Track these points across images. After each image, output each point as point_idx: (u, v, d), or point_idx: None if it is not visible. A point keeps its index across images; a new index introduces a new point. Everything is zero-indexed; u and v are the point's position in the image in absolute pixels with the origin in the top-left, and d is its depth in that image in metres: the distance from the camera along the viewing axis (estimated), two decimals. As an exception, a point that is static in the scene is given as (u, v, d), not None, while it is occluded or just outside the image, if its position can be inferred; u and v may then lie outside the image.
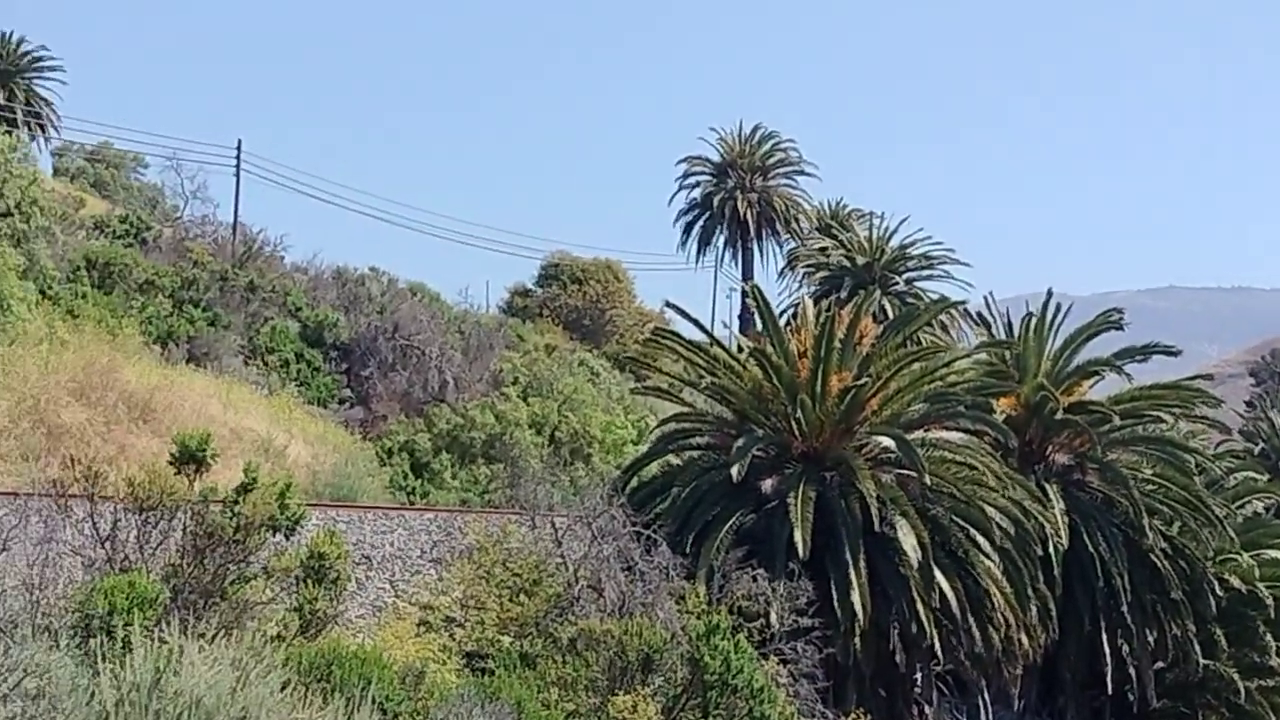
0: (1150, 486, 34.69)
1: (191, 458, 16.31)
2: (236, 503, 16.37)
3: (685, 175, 72.01)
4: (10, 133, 44.06)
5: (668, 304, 46.98)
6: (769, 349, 32.31)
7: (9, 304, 33.77)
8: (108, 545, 16.22)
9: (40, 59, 64.54)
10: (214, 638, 13.24)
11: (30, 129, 56.61)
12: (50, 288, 37.87)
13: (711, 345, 35.67)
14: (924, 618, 28.37)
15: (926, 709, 29.61)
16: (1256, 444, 57.73)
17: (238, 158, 54.38)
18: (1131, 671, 33.20)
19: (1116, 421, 35.42)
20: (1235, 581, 34.53)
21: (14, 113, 52.81)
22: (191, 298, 43.59)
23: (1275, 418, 65.39)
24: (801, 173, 72.83)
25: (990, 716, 31.43)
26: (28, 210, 37.12)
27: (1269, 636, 34.82)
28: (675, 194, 72.06)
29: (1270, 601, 35.04)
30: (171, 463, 17.03)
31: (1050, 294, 38.42)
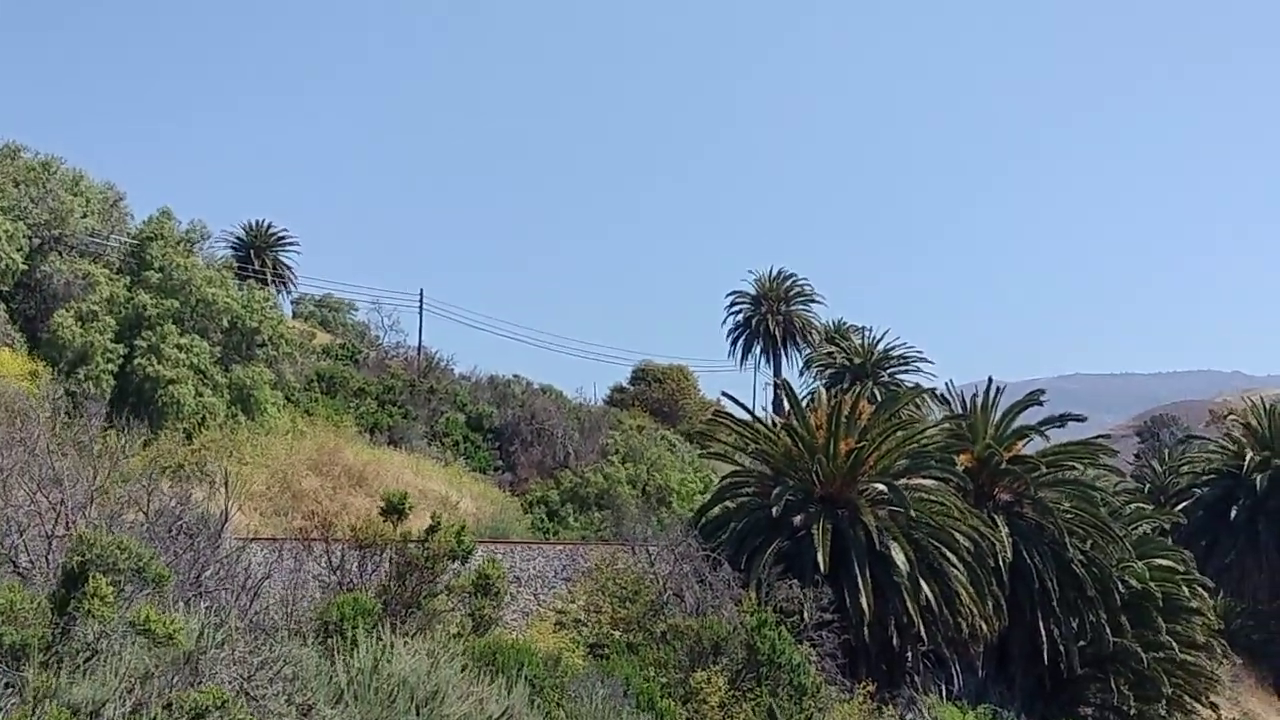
0: (1069, 515, 35.48)
1: (394, 510, 16.68)
2: (426, 541, 16.65)
3: (732, 305, 75.79)
4: (264, 288, 46.03)
5: (724, 394, 47.91)
6: (795, 424, 33.69)
7: (264, 407, 36.47)
8: (338, 573, 16.73)
9: (282, 237, 66.90)
10: (413, 636, 13.85)
11: (276, 285, 58.49)
12: (292, 395, 40.27)
13: (755, 423, 36.52)
14: (912, 612, 29.58)
15: (915, 678, 30.47)
16: (1144, 484, 58.52)
17: (420, 301, 57.72)
18: (1061, 648, 33.68)
19: (1043, 470, 36.85)
20: (1133, 582, 35.54)
21: (265, 275, 54.96)
22: (390, 399, 46.30)
23: (1155, 465, 66.63)
24: (813, 300, 76.45)
25: (961, 682, 32.05)
26: (276, 342, 39.33)
27: (1159, 620, 35.51)
28: (725, 318, 75.73)
29: (1159, 595, 35.96)
30: (381, 514, 17.53)
31: (990, 380, 39.95)
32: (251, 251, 61.94)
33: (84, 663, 8.48)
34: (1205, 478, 54.79)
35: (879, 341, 70.00)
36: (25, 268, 35.71)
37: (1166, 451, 71.41)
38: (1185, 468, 59.63)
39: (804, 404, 37.00)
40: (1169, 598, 36.68)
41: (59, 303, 35.43)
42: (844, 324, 76.42)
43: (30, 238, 36.19)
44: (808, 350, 73.94)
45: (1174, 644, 35.83)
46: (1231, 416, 65.38)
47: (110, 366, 34.38)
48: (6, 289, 35.55)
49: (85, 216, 38.71)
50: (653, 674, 20.87)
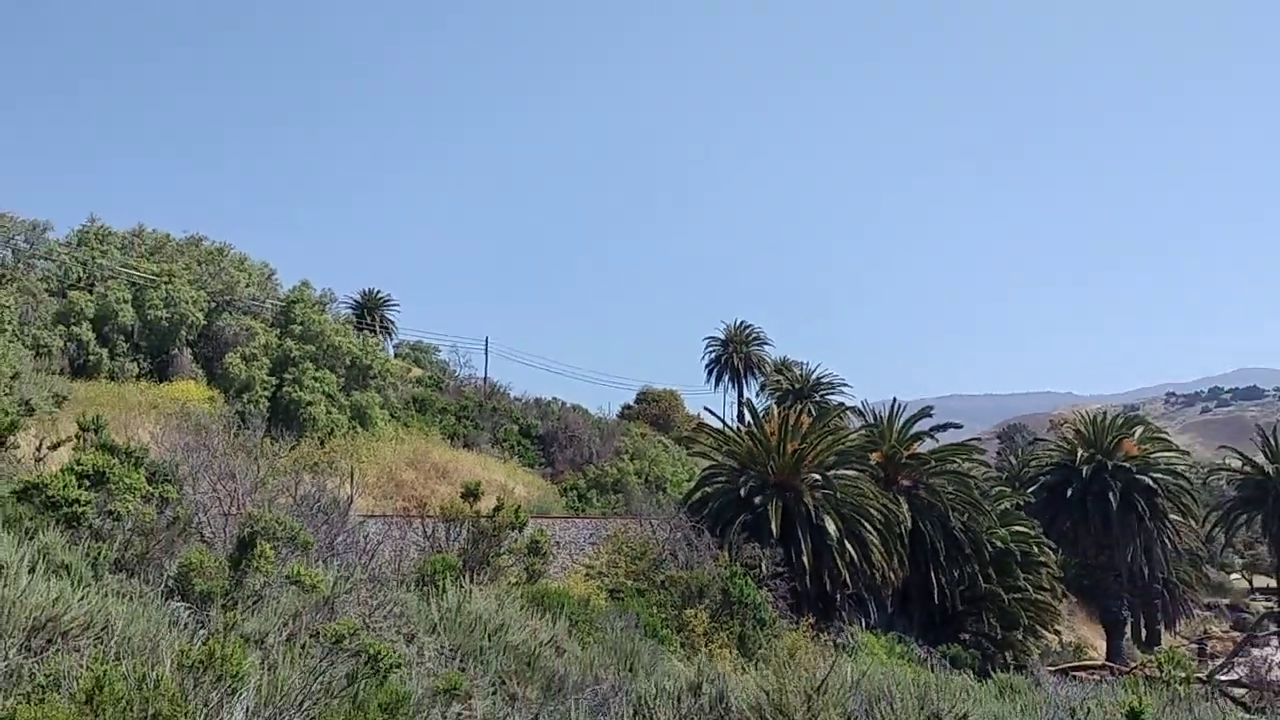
0: (951, 496, 35.15)
1: (470, 494, 16.12)
2: (493, 516, 16.00)
3: (707, 345, 75.60)
4: (374, 336, 47.43)
5: (705, 409, 49.93)
6: (755, 431, 33.49)
7: (375, 421, 37.00)
8: (430, 540, 16.15)
9: (386, 299, 66.79)
10: (485, 585, 13.21)
11: (383, 335, 58.24)
12: (395, 413, 40.38)
13: (726, 431, 36.58)
14: (840, 566, 29.31)
15: (843, 614, 29.84)
16: (1004, 474, 57.93)
17: (486, 345, 60.98)
18: (946, 592, 33.50)
19: (932, 463, 36.82)
20: (998, 543, 35.23)
21: (374, 327, 54.98)
22: (464, 415, 46.17)
23: (1012, 460, 66.99)
24: (765, 343, 76.15)
25: (875, 617, 31.62)
26: (383, 375, 39.89)
27: (1018, 570, 35.27)
28: (703, 354, 75.67)
29: (1017, 552, 35.87)
30: (460, 497, 16.76)
31: (894, 399, 39.86)
32: (365, 310, 62.20)
33: (252, 605, 8.32)
34: (1047, 468, 54.71)
35: (813, 372, 71.17)
36: (205, 323, 36.24)
37: (1020, 450, 71.76)
38: (1033, 462, 59.36)
39: (761, 417, 36.32)
40: (1024, 554, 36.47)
41: (229, 348, 35.87)
42: (788, 360, 76.67)
43: (209, 302, 36.64)
44: (762, 378, 74.00)
45: (1028, 588, 35.53)
46: (1065, 424, 65.72)
47: (266, 393, 34.67)
48: (193, 338, 35.99)
49: (248, 286, 39.20)
50: (655, 611, 20.23)
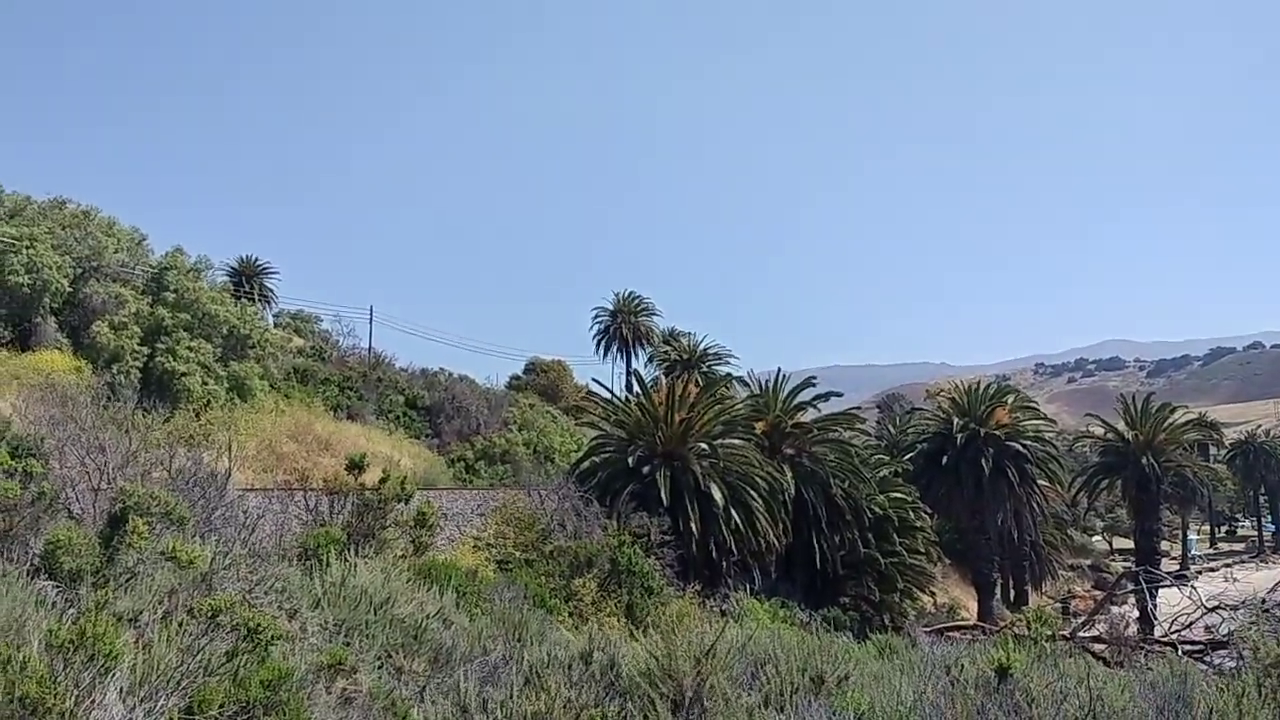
0: (833, 463, 35.82)
1: (355, 466, 15.98)
2: (378, 489, 15.92)
3: (596, 315, 75.17)
4: (253, 305, 44.69)
5: (594, 380, 49.51)
6: (644, 402, 33.39)
7: (254, 393, 35.74)
8: (313, 513, 16.05)
9: (265, 268, 65.16)
10: (370, 558, 12.99)
11: (262, 303, 56.28)
12: (275, 384, 39.00)
13: (615, 401, 37.12)
14: (726, 533, 29.70)
15: (729, 580, 29.93)
16: (883, 441, 59.72)
17: (370, 314, 57.98)
18: (828, 556, 34.12)
19: (815, 432, 37.43)
20: (877, 509, 36.11)
21: (253, 295, 52.80)
22: (348, 386, 45.11)
23: (890, 428, 68.88)
24: (654, 313, 75.98)
25: (760, 582, 31.91)
26: (263, 345, 38.48)
27: (895, 535, 36.36)
28: (591, 325, 75.29)
29: (895, 518, 36.92)
30: (345, 470, 16.58)
31: (779, 370, 40.70)
32: (243, 277, 60.17)
33: (125, 582, 8.22)
34: (924, 436, 56.17)
35: (700, 343, 71.65)
36: (70, 290, 34.66)
37: (897, 419, 73.73)
38: (910, 430, 60.95)
39: (650, 387, 36.51)
40: (901, 520, 37.53)
41: (96, 316, 34.33)
42: (676, 330, 76.98)
43: (74, 268, 35.03)
44: (650, 349, 74.07)
45: (905, 552, 36.62)
46: (941, 394, 67.61)
47: (137, 363, 33.32)
48: (57, 306, 34.38)
49: (117, 252, 37.48)
50: (544, 581, 20.76)
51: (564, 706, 4.90)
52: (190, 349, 34.47)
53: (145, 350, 34.03)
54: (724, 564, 30.46)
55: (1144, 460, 58.99)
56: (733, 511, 30.44)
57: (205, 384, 33.98)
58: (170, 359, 33.75)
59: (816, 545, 33.71)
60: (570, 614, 19.14)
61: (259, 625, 6.34)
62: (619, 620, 19.75)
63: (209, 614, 6.64)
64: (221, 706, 5.94)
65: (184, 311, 35.79)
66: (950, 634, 23.55)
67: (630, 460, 30.25)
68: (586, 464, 33.20)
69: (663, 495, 28.76)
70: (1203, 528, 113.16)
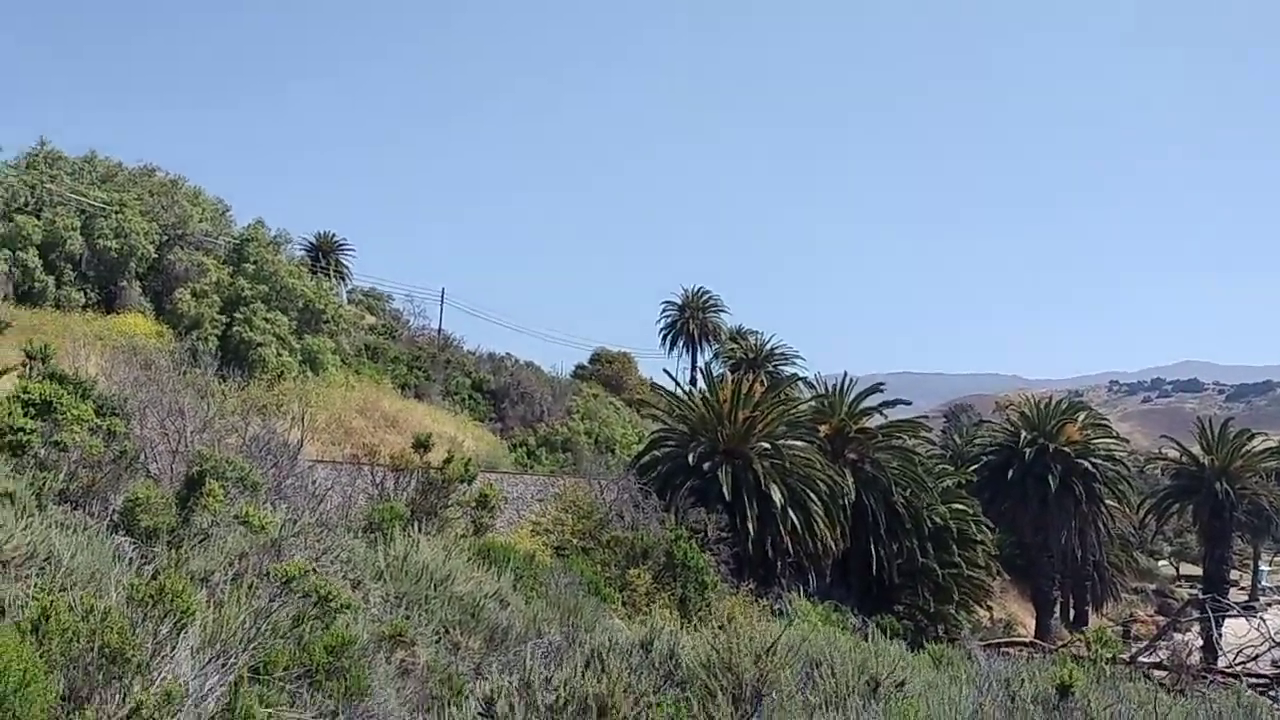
0: (895, 471, 35.29)
1: (421, 445, 16.11)
2: (442, 468, 16.08)
3: (664, 310, 75.30)
4: (328, 280, 46.77)
5: (665, 370, 50.08)
6: (709, 398, 33.54)
7: (326, 366, 36.56)
8: (379, 488, 16.05)
9: (342, 244, 65.20)
10: (432, 535, 13.07)
11: (337, 279, 56.86)
12: (346, 359, 39.78)
13: (679, 395, 36.72)
14: (783, 534, 29.53)
15: (783, 580, 29.54)
16: (948, 452, 58.52)
17: (441, 296, 57.94)
18: (885, 564, 33.77)
19: (879, 438, 36.79)
20: (937, 519, 35.35)
21: (329, 271, 53.43)
22: (416, 366, 45.88)
23: (956, 439, 67.08)
24: (722, 310, 76.04)
25: (814, 584, 31.47)
26: (336, 320, 39.41)
27: (954, 547, 35.57)
28: (659, 319, 75.43)
29: (955, 529, 36.04)
30: (411, 448, 16.69)
31: (846, 374, 40.04)
32: (320, 252, 61.12)
33: (199, 543, 8.40)
34: (991, 449, 55.47)
35: (767, 342, 71.03)
36: (155, 256, 35.63)
37: (965, 429, 72.75)
38: (977, 442, 60.26)
39: (715, 384, 36.25)
40: (961, 532, 36.99)
41: (179, 283, 35.30)
42: (743, 328, 76.55)
43: (160, 235, 35.99)
44: (716, 346, 73.88)
45: (963, 564, 36.12)
46: (1010, 407, 66.59)
47: (216, 331, 34.20)
48: (142, 271, 35.37)
49: (201, 221, 38.49)
50: (599, 570, 20.77)
51: (625, 691, 4.94)
52: (267, 320, 35.26)
53: (224, 319, 34.91)
54: (779, 564, 30.32)
55: (1218, 486, 57.34)
56: (791, 512, 30.23)
57: (280, 355, 34.74)
58: (247, 329, 34.55)
59: (874, 552, 33.84)
60: (624, 604, 19.18)
61: (329, 594, 6.51)
62: (671, 613, 19.69)
63: (282, 579, 6.84)
64: (286, 668, 6.12)
65: (262, 283, 36.62)
66: (1006, 650, 23.23)
67: (691, 456, 30.24)
68: (647, 457, 33.20)
69: (724, 492, 28.74)
70: (1275, 559, 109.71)
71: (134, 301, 34.13)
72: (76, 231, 33.73)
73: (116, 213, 34.64)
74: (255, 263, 37.20)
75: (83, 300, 33.15)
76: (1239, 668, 18.14)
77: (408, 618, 9.11)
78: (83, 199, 35.30)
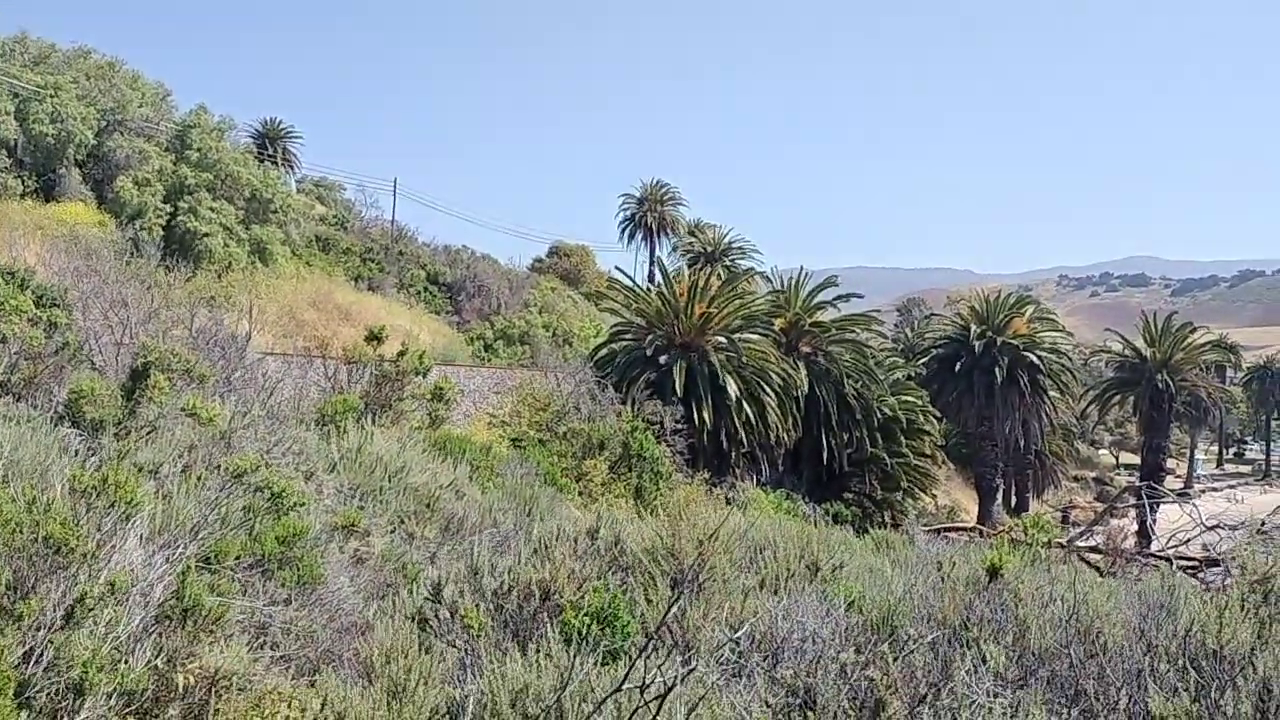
0: (848, 363, 35.71)
1: (374, 337, 15.92)
2: (397, 361, 15.80)
3: (622, 203, 74.63)
4: (276, 169, 45.62)
5: (616, 267, 49.89)
6: (665, 292, 33.56)
7: (276, 257, 36.00)
8: (332, 381, 15.81)
9: (289, 131, 63.92)
10: (387, 427, 13.17)
11: (285, 168, 55.60)
12: (296, 250, 39.21)
13: (636, 289, 36.67)
14: (737, 425, 30.00)
15: (736, 470, 30.47)
16: (900, 345, 60.14)
17: (394, 186, 57.30)
18: (835, 453, 34.31)
19: (833, 332, 37.17)
20: (887, 410, 35.87)
21: (276, 159, 52.46)
22: (370, 258, 45.44)
23: (908, 332, 69.23)
24: (680, 203, 75.59)
25: (767, 474, 32.09)
26: (285, 210, 38.56)
27: (902, 437, 36.15)
28: (617, 212, 74.73)
29: (903, 420, 36.71)
30: (365, 340, 16.36)
31: (801, 268, 40.19)
32: (267, 140, 59.61)
33: (146, 435, 8.28)
34: (940, 342, 56.24)
35: (725, 236, 70.63)
36: (95, 143, 34.50)
37: (916, 323, 73.73)
38: (928, 335, 60.93)
39: (672, 278, 36.37)
40: (910, 422, 37.64)
41: (120, 170, 34.26)
42: (701, 221, 76.06)
43: (99, 120, 34.77)
44: (675, 239, 73.45)
45: (910, 453, 36.80)
46: (961, 301, 67.29)
47: (160, 221, 33.41)
48: (81, 158, 34.26)
49: (141, 106, 37.18)
50: (556, 461, 20.87)
51: (569, 577, 5.06)
52: (212, 209, 34.48)
53: (168, 209, 34.06)
54: (733, 455, 30.89)
55: (1159, 378, 58.98)
56: (745, 405, 30.64)
57: (226, 246, 34.11)
58: (192, 219, 33.79)
59: (825, 442, 34.35)
60: (580, 493, 19.35)
61: (282, 490, 6.50)
62: (627, 502, 20.05)
63: (232, 472, 6.80)
64: (237, 558, 6.13)
65: (206, 171, 35.68)
66: (948, 534, 23.88)
67: (648, 349, 30.46)
68: (605, 350, 33.42)
69: (678, 385, 28.96)
70: (1211, 448, 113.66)
71: (74, 190, 33.12)
72: (10, 116, 32.45)
73: (51, 96, 33.32)
74: (199, 150, 36.16)
75: (20, 189, 32.09)
76: (1170, 551, 18.86)
77: (362, 508, 9.13)
78: (15, 82, 33.84)
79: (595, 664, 4.41)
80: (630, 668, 3.86)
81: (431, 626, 5.18)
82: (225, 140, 38.74)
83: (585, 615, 4.79)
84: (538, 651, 4.56)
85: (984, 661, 4.82)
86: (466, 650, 4.85)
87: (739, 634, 4.81)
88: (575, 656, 4.31)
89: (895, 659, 4.66)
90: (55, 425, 8.10)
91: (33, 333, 9.17)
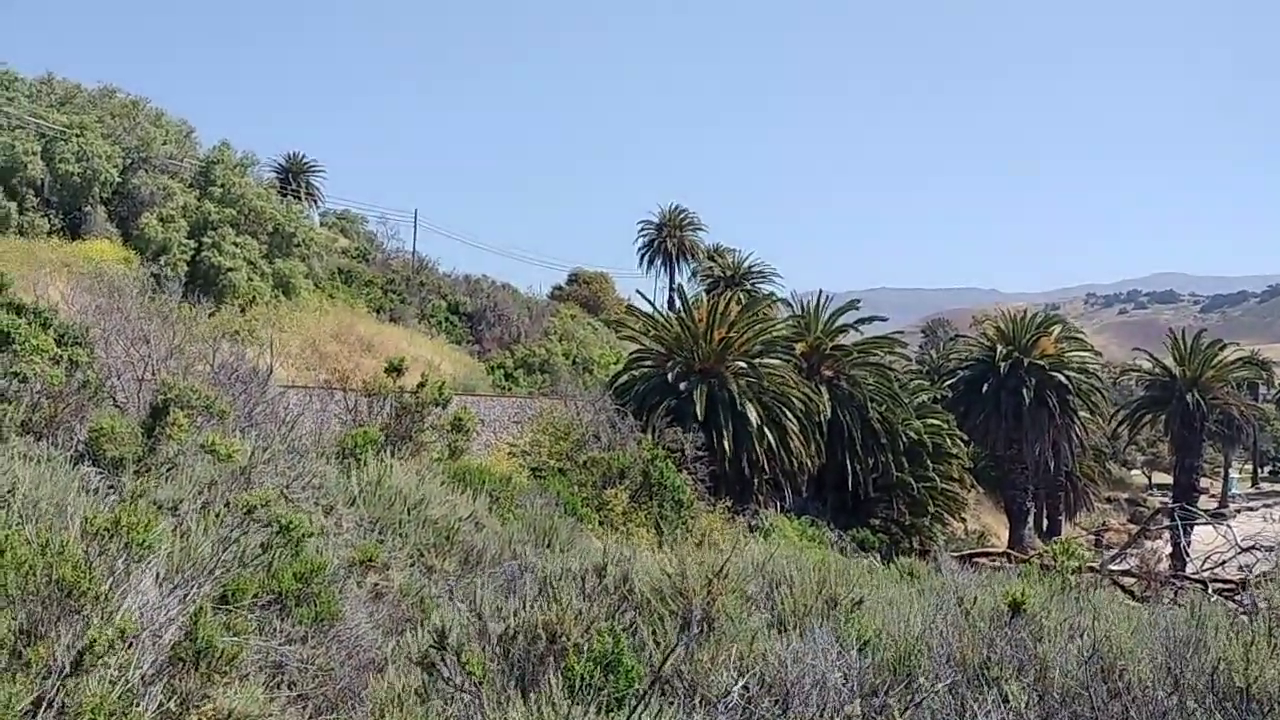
0: (871, 387, 35.51)
1: (395, 369, 15.99)
2: (417, 392, 15.69)
3: (642, 229, 74.98)
4: (299, 203, 46.25)
5: (637, 291, 49.84)
6: (685, 318, 33.41)
7: (299, 291, 36.49)
8: (352, 413, 15.83)
9: (313, 165, 65.20)
10: (406, 459, 13.11)
11: (308, 202, 56.42)
12: (319, 283, 39.83)
13: (656, 315, 35.89)
14: (759, 452, 29.67)
15: (759, 497, 30.18)
16: (925, 367, 59.23)
17: (415, 217, 58.21)
18: (860, 479, 33.97)
19: (855, 355, 37.03)
20: (912, 434, 35.47)
21: (299, 193, 53.14)
22: (391, 289, 45.99)
23: (933, 354, 68.60)
24: (699, 228, 75.76)
25: (790, 500, 32.03)
26: (308, 243, 39.25)
27: (929, 461, 35.81)
28: (636, 238, 75.16)
29: (930, 444, 36.33)
30: (385, 372, 16.42)
31: (821, 291, 40.01)
32: (290, 175, 60.49)
33: (166, 472, 8.33)
34: (966, 363, 55.69)
35: (745, 260, 70.57)
36: (120, 180, 35.01)
37: (941, 344, 73.24)
38: (953, 356, 60.42)
39: (691, 304, 36.59)
40: (936, 445, 37.33)
41: (145, 207, 34.74)
42: (720, 246, 76.07)
43: (123, 158, 35.31)
44: (694, 264, 73.56)
45: (937, 477, 36.51)
46: (987, 321, 66.69)
47: (184, 256, 33.80)
48: (106, 196, 34.77)
49: (165, 143, 37.74)
50: (576, 490, 20.84)
51: (575, 618, 5.01)
52: (236, 244, 34.85)
53: (192, 244, 34.46)
54: (755, 481, 30.59)
55: (1190, 396, 58.22)
56: (767, 431, 30.38)
57: (250, 280, 34.45)
58: (216, 254, 34.16)
59: (849, 467, 34.04)
60: (600, 523, 19.27)
61: (290, 523, 6.50)
62: (648, 531, 19.91)
63: (244, 508, 6.81)
64: (255, 596, 6.13)
65: (230, 207, 36.11)
66: (978, 560, 23.60)
67: (668, 375, 30.32)
68: (625, 377, 33.26)
69: (699, 411, 28.77)
70: (1245, 467, 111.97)
71: (100, 227, 33.59)
72: (37, 156, 32.99)
73: (77, 136, 33.88)
74: (222, 186, 36.62)
75: (47, 226, 32.59)
76: (1206, 574, 18.52)
77: (381, 542, 9.09)
78: (41, 122, 34.45)
79: (599, 711, 4.35)
80: (631, 714, 3.80)
81: (438, 670, 5.14)
82: (248, 175, 39.25)
83: (589, 661, 4.74)
84: (538, 699, 4.51)
85: (1005, 701, 4.70)
86: (472, 697, 4.81)
87: (745, 680, 4.72)
88: (575, 705, 4.26)
89: (905, 710, 4.55)
90: (76, 464, 8.14)
91: (54, 371, 9.25)
